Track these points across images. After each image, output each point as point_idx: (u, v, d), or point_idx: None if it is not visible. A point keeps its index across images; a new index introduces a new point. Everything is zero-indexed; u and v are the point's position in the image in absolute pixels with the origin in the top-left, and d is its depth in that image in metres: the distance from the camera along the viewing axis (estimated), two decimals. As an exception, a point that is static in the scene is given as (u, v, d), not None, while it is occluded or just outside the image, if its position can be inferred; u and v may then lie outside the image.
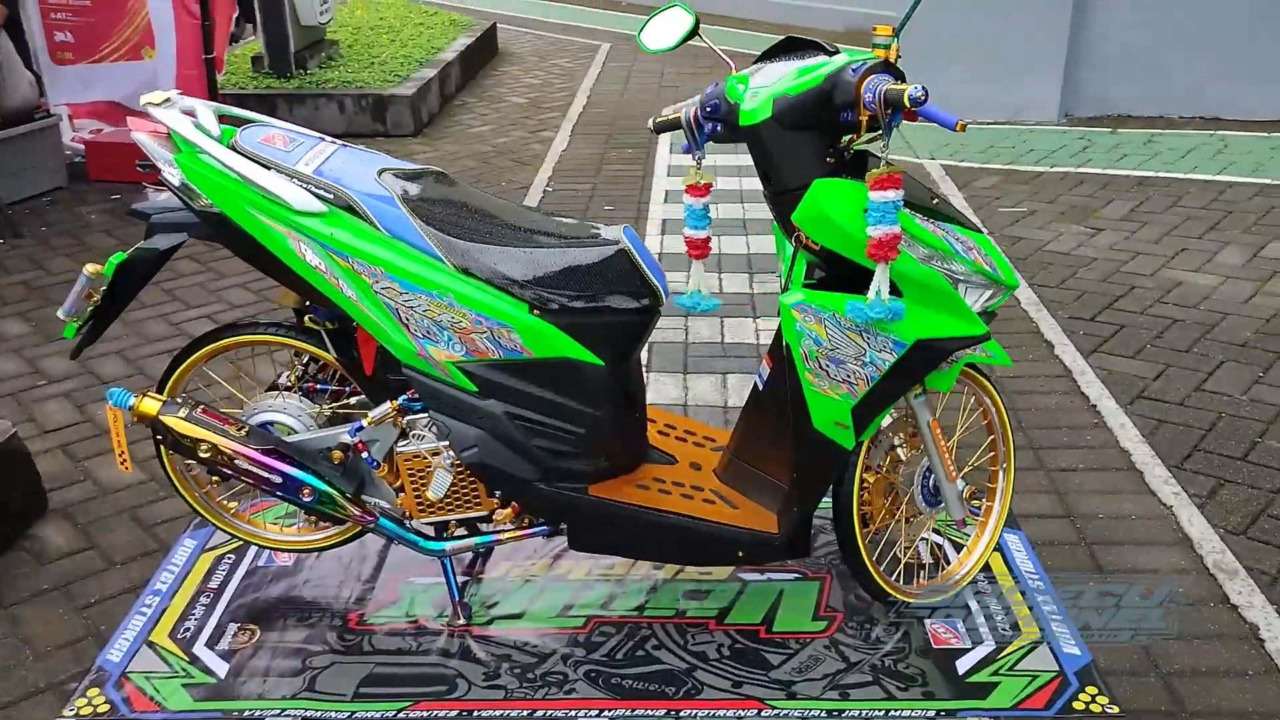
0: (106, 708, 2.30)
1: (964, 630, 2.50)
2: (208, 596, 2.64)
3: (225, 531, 2.64)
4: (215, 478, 2.45)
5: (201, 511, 2.61)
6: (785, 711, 2.27)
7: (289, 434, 2.45)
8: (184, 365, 2.47)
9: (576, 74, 9.00)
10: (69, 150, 6.08)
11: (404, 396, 2.35)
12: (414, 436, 2.33)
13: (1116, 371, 3.68)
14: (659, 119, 2.47)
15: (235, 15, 6.56)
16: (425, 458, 2.33)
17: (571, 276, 2.23)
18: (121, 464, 2.43)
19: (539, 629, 2.52)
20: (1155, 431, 3.31)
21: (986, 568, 2.67)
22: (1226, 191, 5.39)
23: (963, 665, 2.40)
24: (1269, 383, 3.55)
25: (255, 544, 2.67)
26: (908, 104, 1.89)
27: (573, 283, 2.23)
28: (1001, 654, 2.42)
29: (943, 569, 2.64)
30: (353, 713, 2.29)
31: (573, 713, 2.28)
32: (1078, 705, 2.28)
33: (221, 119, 2.33)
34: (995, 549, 2.68)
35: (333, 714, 2.28)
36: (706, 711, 2.27)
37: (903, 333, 2.13)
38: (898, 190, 2.00)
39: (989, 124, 6.93)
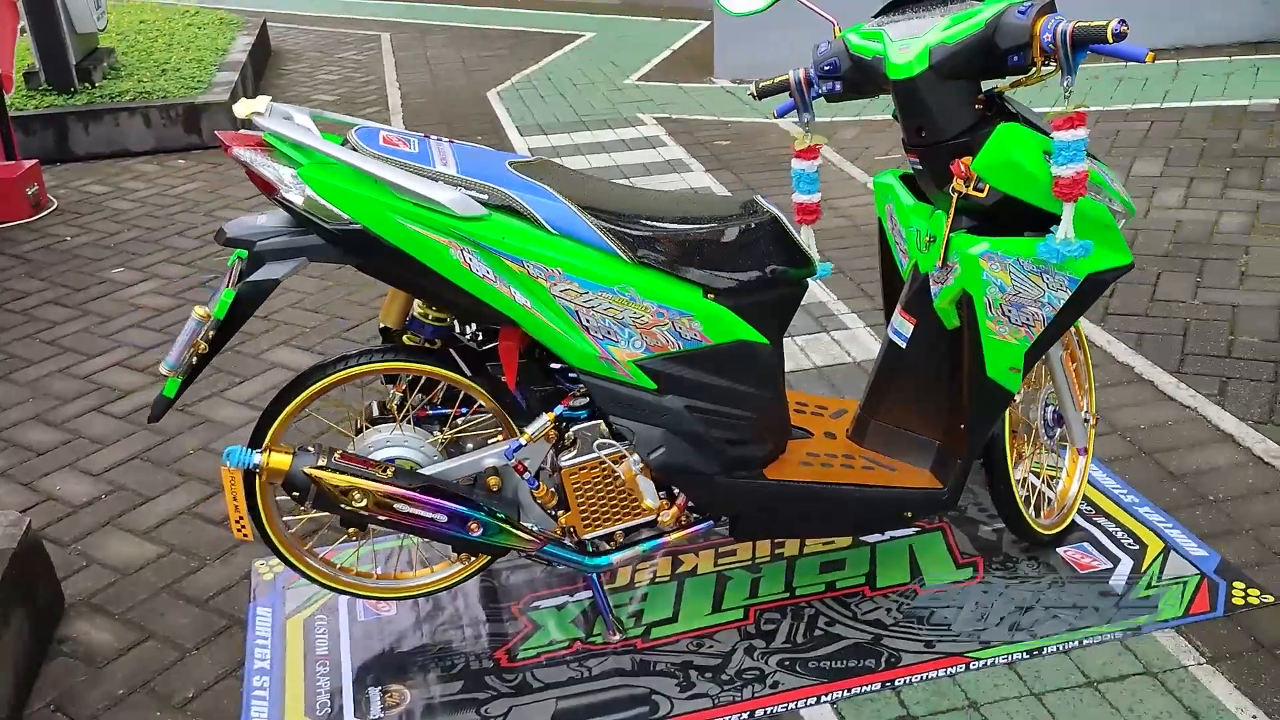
0: (283, 809, 2.01)
1: (1096, 553, 2.59)
2: (323, 665, 2.35)
3: (335, 589, 2.34)
4: (352, 529, 2.17)
5: (312, 574, 2.29)
6: (990, 660, 2.28)
7: (414, 469, 2.20)
8: (290, 408, 2.15)
9: (371, 66, 8.58)
10: None
11: (560, 407, 2.16)
12: (596, 445, 2.15)
13: (1073, 294, 3.89)
14: (763, 83, 2.37)
15: (21, 25, 5.78)
16: (607, 465, 2.15)
17: (739, 253, 2.12)
18: (241, 533, 2.10)
19: (702, 628, 2.41)
20: (1140, 344, 3.54)
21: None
22: (1070, 121, 5.81)
23: (1116, 585, 2.48)
24: (1209, 285, 3.88)
25: (377, 597, 2.38)
26: (1111, 39, 1.90)
27: (742, 260, 2.12)
28: (1143, 568, 2.53)
29: (1046, 503, 2.71)
30: (566, 754, 2.11)
31: (793, 705, 2.19)
32: (1237, 601, 2.41)
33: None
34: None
35: (545, 760, 2.09)
36: (919, 676, 2.24)
37: (1076, 269, 2.16)
38: (1085, 128, 2.02)
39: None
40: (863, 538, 2.67)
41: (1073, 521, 2.67)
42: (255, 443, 2.15)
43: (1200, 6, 7.14)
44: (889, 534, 2.68)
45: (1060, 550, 2.60)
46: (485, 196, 1.97)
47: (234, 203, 5.44)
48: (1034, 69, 2.06)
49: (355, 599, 2.51)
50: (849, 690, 2.22)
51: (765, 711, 2.18)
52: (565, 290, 1.99)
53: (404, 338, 2.23)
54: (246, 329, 3.97)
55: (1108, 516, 2.71)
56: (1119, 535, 2.64)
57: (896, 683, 2.23)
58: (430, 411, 2.30)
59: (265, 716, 2.22)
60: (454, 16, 10.53)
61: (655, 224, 2.06)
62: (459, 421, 2.30)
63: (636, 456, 2.15)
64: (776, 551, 2.64)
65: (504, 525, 2.15)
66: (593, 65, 8.12)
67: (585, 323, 2.02)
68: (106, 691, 2.31)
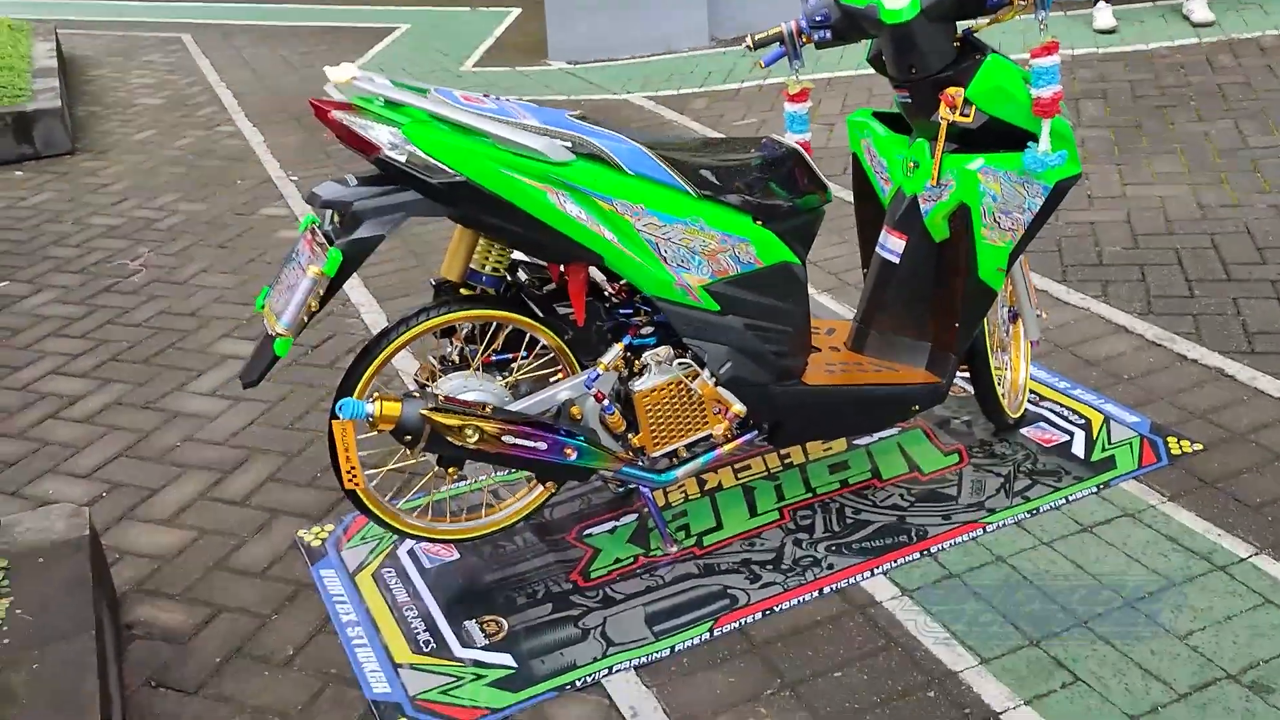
0: (431, 732, 2.14)
1: (1054, 429, 3.01)
2: (410, 609, 2.47)
3: (421, 537, 2.48)
4: (451, 469, 2.31)
5: (397, 524, 2.42)
6: (999, 523, 2.64)
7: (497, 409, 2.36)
8: (378, 361, 2.27)
9: (187, 68, 8.28)
10: None
11: (628, 337, 2.37)
12: (676, 366, 2.36)
13: (954, 226, 4.36)
14: (758, 35, 2.64)
15: None
16: (680, 384, 2.37)
17: (778, 182, 2.39)
18: (352, 482, 2.21)
19: (748, 530, 2.66)
20: (1025, 261, 4.03)
21: (1021, 383, 3.19)
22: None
23: (1078, 452, 2.90)
24: (1067, 208, 4.36)
25: (460, 539, 2.53)
26: (1082, -24, 2.27)
27: (781, 188, 2.39)
28: (1094, 437, 2.96)
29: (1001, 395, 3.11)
30: (672, 647, 2.32)
31: (854, 579, 2.48)
32: (1175, 451, 2.87)
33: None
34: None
35: (656, 654, 2.30)
36: (949, 542, 2.58)
37: (1048, 177, 2.54)
38: (1058, 55, 2.39)
39: (651, 57, 7.49)
40: (855, 441, 2.99)
41: (1026, 408, 3.08)
42: (349, 389, 2.25)
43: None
44: (877, 436, 3.01)
45: (1023, 430, 3.00)
46: (569, 144, 2.15)
47: (101, 209, 5.25)
48: (1009, 6, 2.42)
49: (414, 549, 2.64)
50: (894, 562, 2.53)
51: (831, 588, 2.47)
52: (647, 224, 2.20)
53: (461, 290, 2.37)
54: (186, 327, 3.92)
55: (1051, 400, 3.14)
56: (1065, 414, 3.07)
57: (933, 549, 2.57)
58: (494, 358, 2.45)
59: (374, 658, 2.33)
60: (254, 15, 10.23)
61: (711, 160, 2.30)
62: (516, 365, 2.46)
63: (707, 373, 2.39)
64: (786, 461, 2.92)
65: (593, 448, 2.34)
66: (421, 56, 8.14)
67: (663, 253, 2.24)
68: (202, 662, 2.35)
